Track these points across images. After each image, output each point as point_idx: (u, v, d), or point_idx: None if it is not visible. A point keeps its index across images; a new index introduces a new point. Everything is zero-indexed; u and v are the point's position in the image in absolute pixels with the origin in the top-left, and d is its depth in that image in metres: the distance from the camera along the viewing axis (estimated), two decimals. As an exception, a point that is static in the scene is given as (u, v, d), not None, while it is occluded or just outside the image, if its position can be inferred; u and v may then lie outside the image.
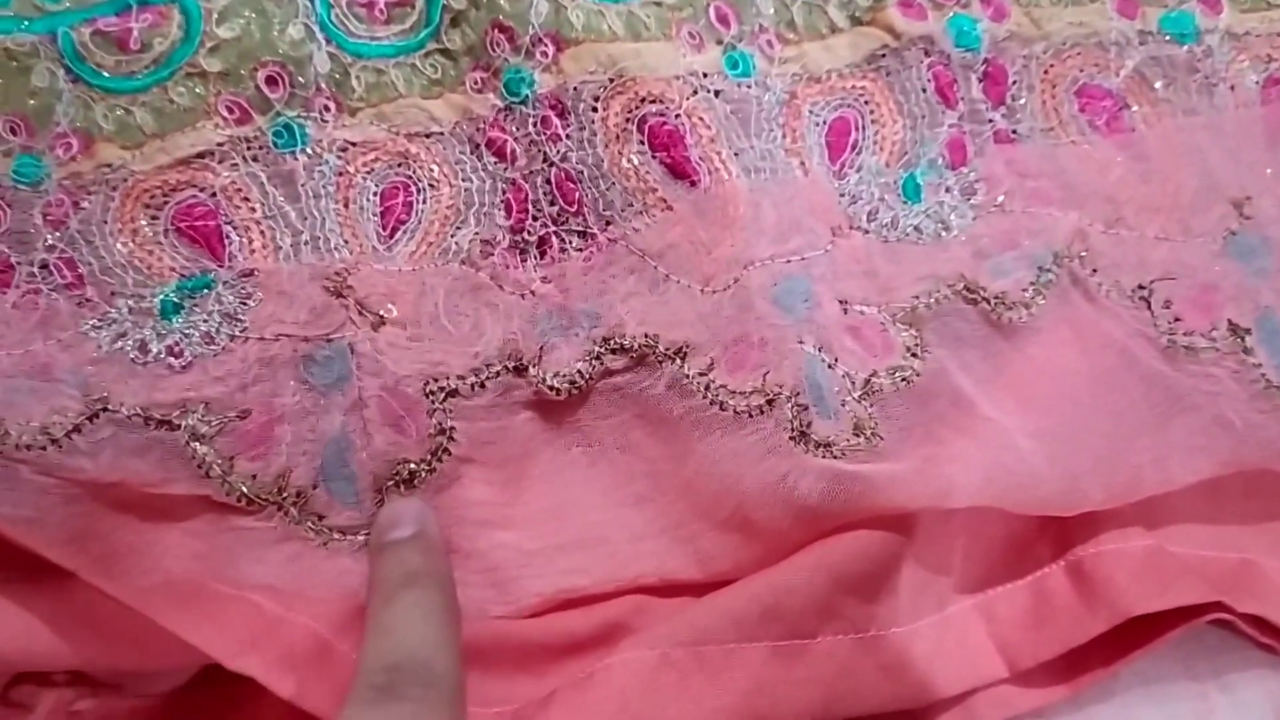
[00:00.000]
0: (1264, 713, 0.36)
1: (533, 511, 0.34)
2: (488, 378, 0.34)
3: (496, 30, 0.36)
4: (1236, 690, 0.36)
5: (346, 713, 0.26)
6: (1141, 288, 0.36)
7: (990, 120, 0.38)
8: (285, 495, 0.33)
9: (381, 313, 0.34)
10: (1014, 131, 0.38)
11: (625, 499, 0.35)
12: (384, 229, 0.35)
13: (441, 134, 0.36)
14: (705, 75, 0.37)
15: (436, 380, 0.34)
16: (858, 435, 0.34)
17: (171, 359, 0.32)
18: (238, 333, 0.33)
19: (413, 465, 0.33)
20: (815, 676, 0.32)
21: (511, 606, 0.34)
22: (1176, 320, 0.36)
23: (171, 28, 0.35)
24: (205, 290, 0.33)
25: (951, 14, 0.38)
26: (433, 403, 0.34)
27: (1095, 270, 0.36)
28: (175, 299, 0.33)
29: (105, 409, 0.31)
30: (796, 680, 0.32)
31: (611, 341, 0.34)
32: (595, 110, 0.35)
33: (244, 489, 0.32)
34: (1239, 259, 0.37)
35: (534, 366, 0.34)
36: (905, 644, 0.33)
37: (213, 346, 0.33)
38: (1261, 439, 0.35)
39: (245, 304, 0.33)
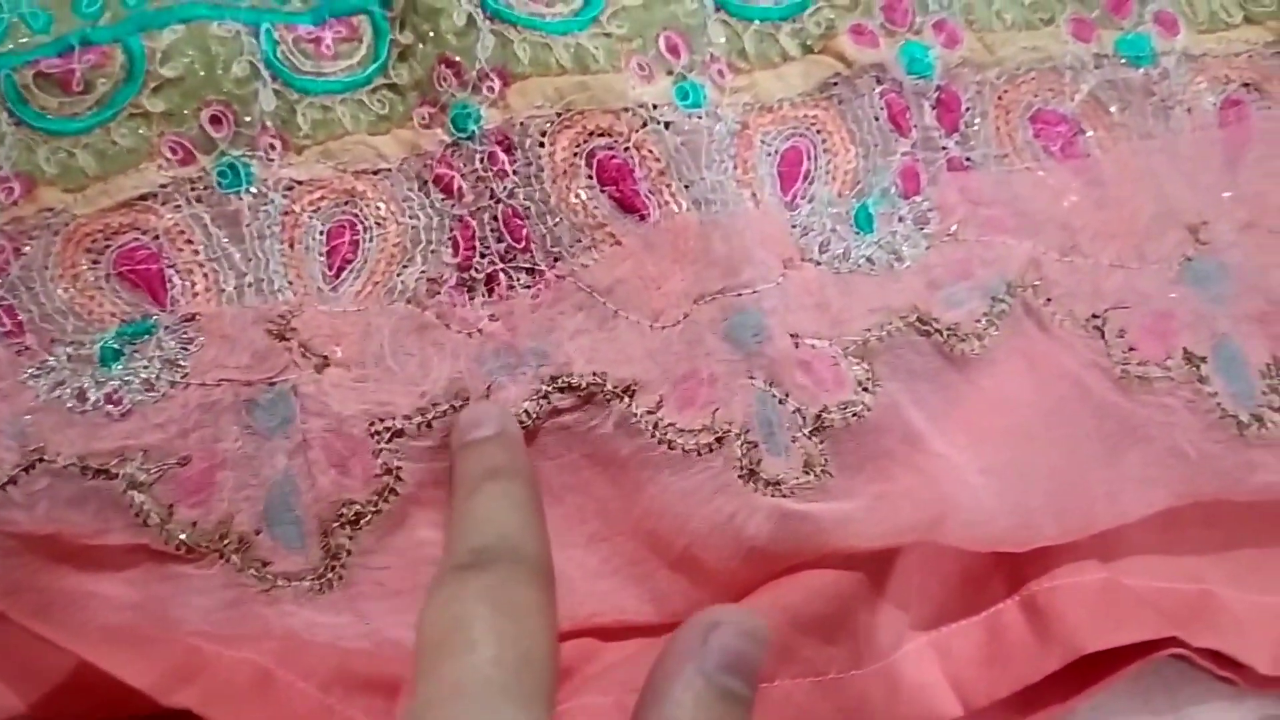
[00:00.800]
0: (1224, 746, 0.35)
1: None
2: (434, 417, 0.34)
3: (443, 65, 0.36)
4: (1197, 724, 0.36)
5: (433, 587, 0.26)
6: (1095, 317, 0.36)
7: (944, 148, 0.38)
8: (227, 542, 0.32)
9: (326, 354, 0.34)
10: (968, 159, 0.38)
11: (577, 539, 0.34)
12: (330, 269, 0.35)
13: (389, 170, 0.36)
14: (655, 107, 0.36)
15: (382, 420, 0.33)
16: (808, 472, 0.34)
17: (110, 407, 0.32)
18: (178, 379, 0.33)
19: (359, 506, 0.33)
20: None
21: (462, 648, 0.33)
22: (1131, 349, 0.36)
23: (115, 68, 0.35)
24: (146, 336, 0.33)
25: (903, 41, 0.38)
26: (378, 443, 0.33)
27: (1049, 299, 0.36)
28: (115, 345, 0.33)
29: (42, 459, 0.31)
30: None
31: (559, 380, 0.34)
32: (542, 145, 0.35)
33: (183, 537, 0.32)
34: (1195, 285, 0.37)
35: (481, 406, 0.34)
36: (863, 686, 0.33)
37: (152, 393, 0.32)
38: (1217, 469, 0.35)
39: (186, 349, 0.33)
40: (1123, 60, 0.40)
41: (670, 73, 0.37)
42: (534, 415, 0.34)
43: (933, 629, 0.35)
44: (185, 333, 0.33)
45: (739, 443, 0.34)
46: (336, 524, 0.33)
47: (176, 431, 0.32)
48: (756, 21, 0.39)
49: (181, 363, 0.33)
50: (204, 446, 0.32)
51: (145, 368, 0.33)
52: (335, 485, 0.33)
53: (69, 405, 0.32)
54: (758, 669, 0.24)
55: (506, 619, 0.25)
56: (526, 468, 0.32)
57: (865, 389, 0.35)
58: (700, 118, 0.37)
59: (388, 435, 0.33)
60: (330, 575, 0.33)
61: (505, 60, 0.36)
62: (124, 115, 0.35)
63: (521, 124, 0.35)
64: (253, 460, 0.33)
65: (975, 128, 0.38)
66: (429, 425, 0.34)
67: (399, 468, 0.33)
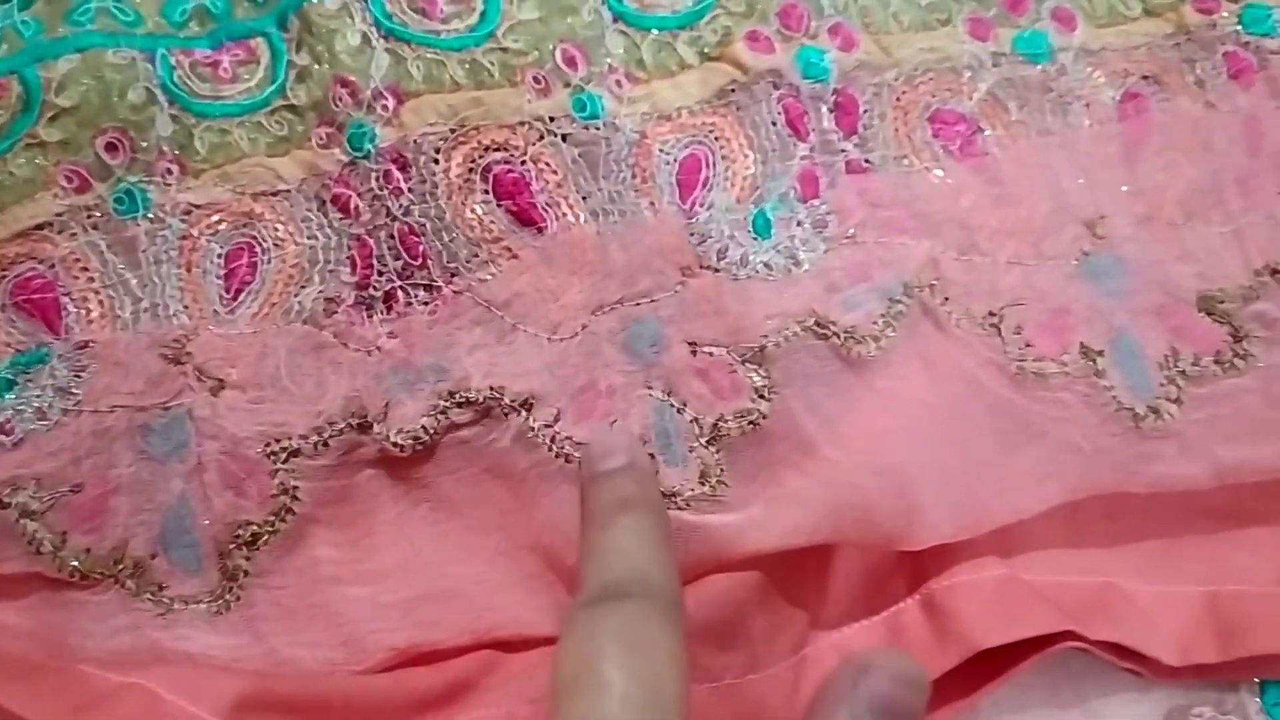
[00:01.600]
0: (1132, 736, 0.35)
1: (384, 566, 0.34)
2: (330, 436, 0.34)
3: (339, 85, 0.36)
4: (1102, 715, 0.36)
5: (566, 623, 0.26)
6: (992, 314, 0.36)
7: (842, 150, 0.38)
8: (122, 567, 0.33)
9: (221, 377, 0.34)
10: (867, 161, 0.38)
11: (477, 552, 0.34)
12: (227, 292, 0.35)
13: (288, 191, 0.36)
14: (552, 119, 0.36)
15: (278, 441, 0.34)
16: (703, 483, 0.34)
17: (2, 437, 0.32)
18: (71, 406, 0.33)
19: (255, 526, 0.33)
20: None
21: (363, 663, 0.33)
22: (1027, 346, 0.36)
23: (11, 99, 0.35)
24: (39, 365, 0.33)
25: (799, 46, 0.38)
26: (274, 463, 0.33)
27: (947, 299, 0.36)
28: (8, 375, 0.33)
29: (-68, 492, 0.31)
30: None
31: (457, 395, 0.34)
32: (436, 162, 0.35)
33: (76, 564, 0.32)
34: (1092, 280, 0.37)
35: (379, 424, 0.34)
36: (761, 690, 0.33)
37: (45, 422, 0.33)
38: (1113, 462, 0.35)
39: (79, 376, 0.33)
40: (1020, 58, 0.40)
41: (568, 85, 0.37)
42: (432, 431, 0.34)
43: (835, 629, 0.35)
44: (78, 360, 0.34)
45: (636, 454, 0.34)
46: (234, 545, 0.33)
47: (69, 459, 0.32)
48: (654, 30, 0.39)
49: (74, 390, 0.33)
50: (97, 473, 0.32)
51: (38, 396, 0.33)
52: (231, 507, 0.33)
53: (-39, 437, 0.32)
54: (913, 715, 0.24)
55: (636, 656, 0.25)
56: (657, 500, 0.32)
57: (762, 396, 0.35)
58: (598, 129, 0.37)
59: (284, 455, 0.34)
60: (228, 597, 0.33)
61: (399, 78, 0.36)
62: (20, 146, 0.35)
63: (415, 142, 0.35)
64: (147, 485, 0.33)
65: (873, 130, 0.38)
66: (325, 444, 0.34)
67: (295, 487, 0.33)
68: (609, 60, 0.38)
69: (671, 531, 0.32)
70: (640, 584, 0.28)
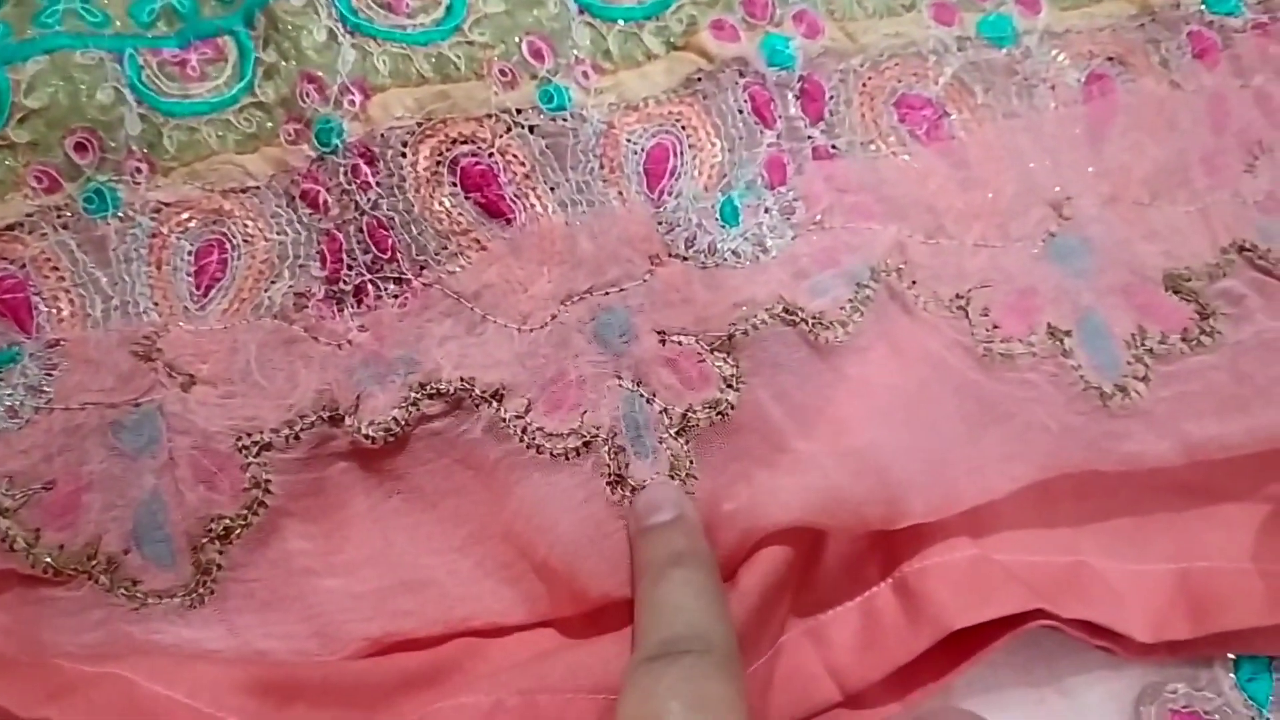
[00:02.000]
0: (1106, 714, 0.35)
1: (357, 558, 0.34)
2: (302, 429, 0.34)
3: (306, 81, 0.36)
4: (1076, 693, 0.36)
5: (626, 681, 0.27)
6: (959, 297, 0.36)
7: (809, 137, 0.38)
8: (95, 563, 0.33)
9: (192, 373, 0.34)
10: (833, 146, 0.38)
11: (449, 543, 0.35)
12: (198, 288, 0.35)
13: (257, 188, 0.36)
14: (519, 111, 0.37)
15: (250, 435, 0.34)
16: (674, 475, 0.34)
17: (-27, 435, 0.32)
18: (42, 404, 0.33)
19: (228, 520, 0.33)
20: None
21: (337, 654, 0.33)
22: (995, 327, 0.36)
23: (-21, 102, 0.35)
24: (11, 364, 0.34)
25: (764, 34, 0.39)
26: (246, 457, 0.34)
27: (914, 282, 0.36)
28: (-21, 374, 0.33)
29: (-95, 490, 0.31)
30: None
31: (428, 387, 0.34)
32: (404, 156, 0.36)
33: (50, 560, 0.32)
34: (1058, 261, 0.37)
35: (350, 416, 0.34)
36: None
37: (16, 420, 0.33)
38: (1082, 441, 0.35)
39: (50, 375, 0.33)
40: (985, 41, 0.40)
41: (534, 77, 0.37)
42: (403, 422, 0.34)
43: (810, 616, 0.35)
44: (49, 358, 0.34)
45: (606, 448, 0.34)
46: (206, 539, 0.33)
47: (41, 456, 0.32)
48: (620, 21, 0.39)
49: (45, 388, 0.33)
50: (69, 470, 0.33)
51: (9, 395, 0.33)
52: (204, 501, 0.33)
53: (-67, 436, 0.32)
54: None
55: (698, 713, 0.26)
56: (706, 551, 0.32)
57: (730, 385, 0.35)
58: (565, 120, 0.37)
59: (255, 449, 0.34)
60: (201, 590, 0.33)
61: (365, 73, 0.36)
62: (-11, 149, 0.35)
63: (382, 136, 0.35)
64: (119, 481, 0.33)
65: (840, 115, 0.38)
66: (297, 437, 0.34)
67: (268, 480, 0.34)
68: (575, 52, 0.38)
69: (722, 583, 0.32)
70: (698, 639, 0.28)
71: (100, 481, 0.33)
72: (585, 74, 0.38)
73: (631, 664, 0.28)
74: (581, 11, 0.39)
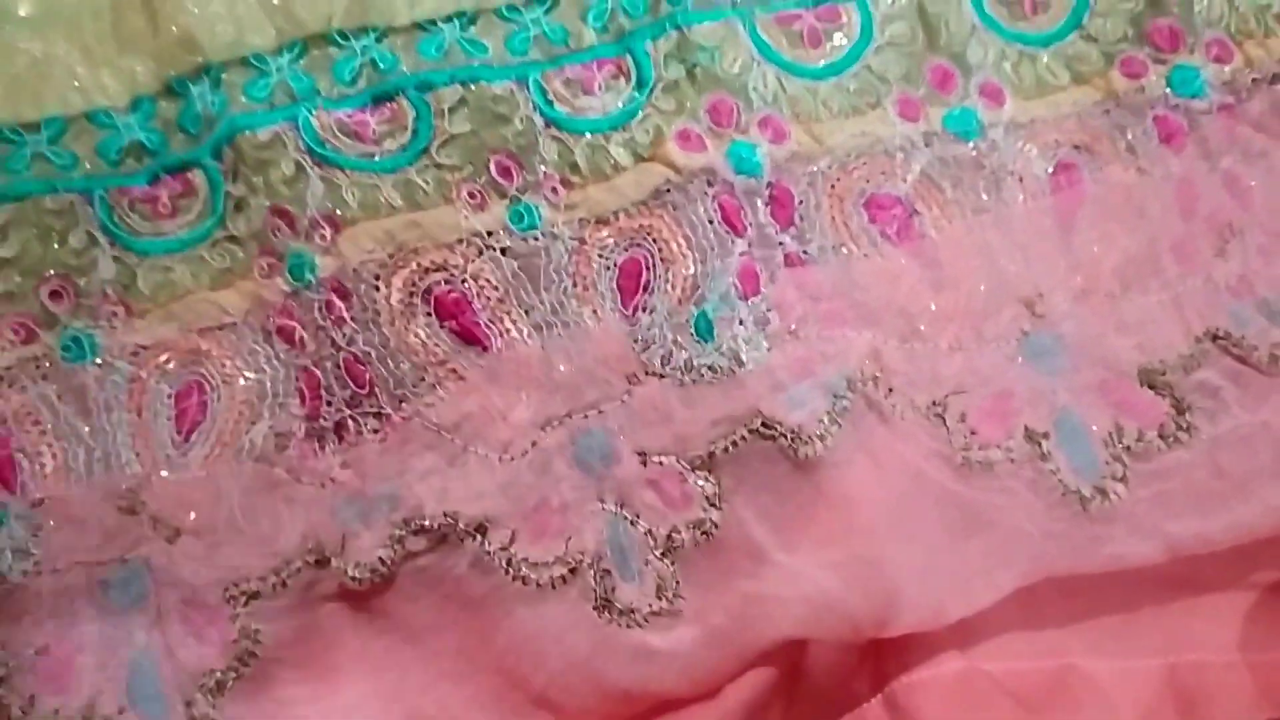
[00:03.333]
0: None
1: (350, 699, 0.35)
2: (288, 575, 0.34)
3: (275, 215, 0.36)
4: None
5: None
6: (935, 404, 0.37)
7: (780, 243, 0.38)
8: (90, 728, 0.33)
9: (177, 524, 0.34)
10: (804, 252, 0.38)
11: (441, 677, 0.35)
12: (179, 433, 0.36)
13: (234, 324, 0.37)
14: (490, 234, 0.37)
15: (237, 585, 0.34)
16: (660, 597, 0.34)
17: (-38, 604, 0.33)
18: (30, 568, 0.33)
19: (219, 674, 0.34)
20: None
21: (337, 800, 0.34)
22: (972, 434, 0.36)
23: (-49, 256, 0.35)
24: (-3, 527, 0.34)
25: (730, 142, 0.39)
26: (234, 608, 0.34)
27: (890, 390, 0.37)
28: (-35, 541, 0.33)
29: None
30: None
31: (412, 523, 0.35)
32: (377, 289, 0.36)
33: (44, 727, 0.33)
34: (1033, 361, 0.37)
35: (336, 558, 0.34)
36: None
37: (4, 585, 0.33)
38: (1064, 547, 0.36)
39: (36, 535, 0.34)
40: (951, 136, 0.40)
41: (504, 196, 0.38)
42: (389, 561, 0.35)
43: (803, 731, 0.36)
44: (34, 518, 0.34)
45: (592, 573, 0.35)
46: (200, 694, 0.34)
47: (31, 621, 0.33)
48: (587, 134, 0.39)
49: (32, 550, 0.34)
50: (60, 633, 0.33)
51: (-3, 560, 0.33)
52: (195, 656, 0.33)
53: (-80, 606, 0.33)
54: None
55: None
56: None
57: (713, 505, 0.35)
58: (537, 239, 0.37)
59: (243, 599, 0.34)
60: (197, 746, 0.34)
61: (335, 205, 0.36)
62: (-36, 305, 0.35)
63: (354, 270, 0.36)
64: (110, 639, 0.33)
65: (810, 220, 0.39)
66: (284, 584, 0.34)
67: (257, 630, 0.34)
68: (543, 168, 0.38)
69: None
70: None
71: (92, 643, 0.33)
72: (554, 189, 0.38)
73: None
74: (548, 125, 0.39)
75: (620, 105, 0.39)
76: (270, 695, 0.34)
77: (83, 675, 0.33)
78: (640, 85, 0.39)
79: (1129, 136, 0.41)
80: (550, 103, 0.38)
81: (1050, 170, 0.40)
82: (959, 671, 0.35)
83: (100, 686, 0.33)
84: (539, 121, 0.39)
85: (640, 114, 0.39)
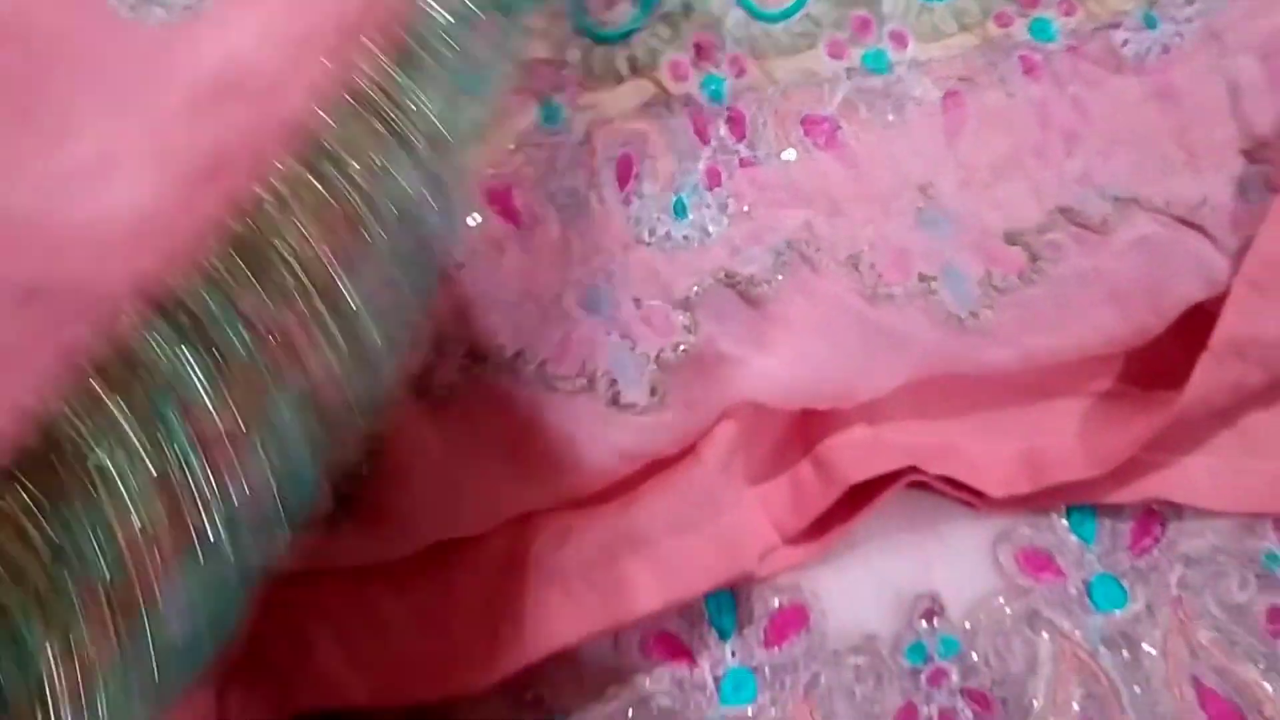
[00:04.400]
0: (971, 552, 0.49)
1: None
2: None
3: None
4: (948, 538, 0.49)
5: None
6: (852, 258, 0.50)
7: (736, 151, 0.52)
8: None
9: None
10: (755, 157, 0.52)
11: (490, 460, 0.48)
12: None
13: None
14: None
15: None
16: (653, 395, 0.48)
17: None
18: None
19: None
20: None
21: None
22: (880, 277, 0.49)
23: None
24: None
25: (705, 75, 0.53)
26: None
27: (818, 250, 0.50)
28: None
29: None
30: None
31: (476, 350, 0.48)
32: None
33: None
34: (925, 228, 0.51)
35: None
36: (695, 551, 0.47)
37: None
38: (945, 353, 0.48)
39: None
40: (867, 71, 0.54)
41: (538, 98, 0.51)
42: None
43: (754, 486, 0.49)
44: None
45: (604, 382, 0.48)
46: None
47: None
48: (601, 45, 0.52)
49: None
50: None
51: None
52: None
53: None
54: None
55: None
56: None
57: (689, 331, 0.48)
58: (559, 135, 0.51)
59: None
60: None
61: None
62: None
63: None
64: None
65: (759, 134, 0.52)
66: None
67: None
68: (565, 71, 0.52)
69: None
70: None
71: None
72: (574, 92, 0.52)
73: None
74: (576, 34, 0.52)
75: (624, 21, 0.52)
76: None
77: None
78: (645, 7, 0.52)
79: (1000, 70, 0.54)
80: (585, 10, 0.51)
81: (941, 97, 0.54)
82: (867, 436, 0.48)
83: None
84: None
85: (641, 32, 0.52)
